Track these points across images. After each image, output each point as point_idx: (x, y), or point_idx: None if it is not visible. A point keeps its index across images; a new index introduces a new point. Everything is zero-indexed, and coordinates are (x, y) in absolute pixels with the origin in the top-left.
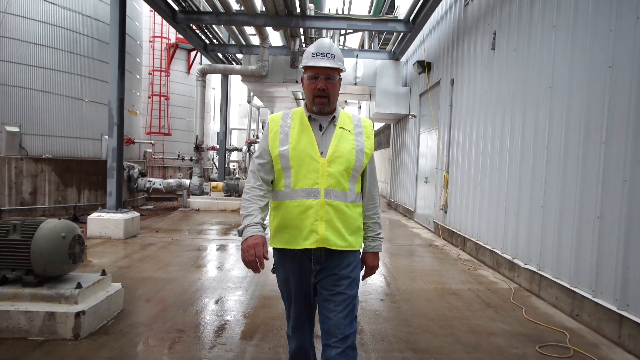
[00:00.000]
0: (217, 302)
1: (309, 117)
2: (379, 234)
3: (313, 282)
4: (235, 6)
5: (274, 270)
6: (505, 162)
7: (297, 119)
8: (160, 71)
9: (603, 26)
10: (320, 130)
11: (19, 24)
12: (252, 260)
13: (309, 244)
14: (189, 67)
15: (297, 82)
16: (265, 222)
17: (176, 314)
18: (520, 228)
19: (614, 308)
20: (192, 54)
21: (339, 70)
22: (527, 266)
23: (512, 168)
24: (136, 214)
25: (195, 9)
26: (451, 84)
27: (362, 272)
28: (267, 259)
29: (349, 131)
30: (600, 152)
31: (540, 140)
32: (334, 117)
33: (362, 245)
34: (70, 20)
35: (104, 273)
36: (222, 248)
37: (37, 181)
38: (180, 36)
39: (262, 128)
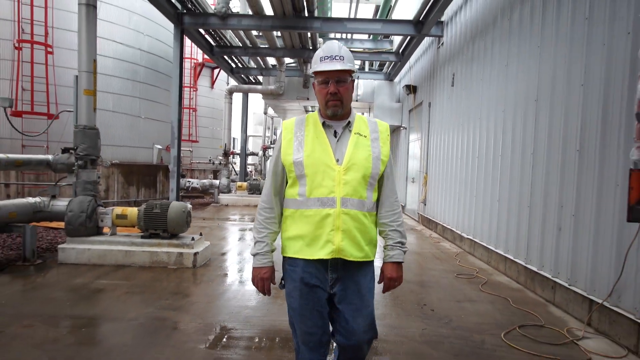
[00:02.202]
0: None
1: (323, 124)
2: (400, 242)
3: (328, 292)
4: (254, 32)
5: (282, 286)
6: (458, 166)
7: (310, 125)
8: (190, 87)
9: (501, 84)
10: (335, 136)
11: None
12: (261, 290)
13: (324, 254)
14: (213, 82)
15: (308, 99)
16: (274, 245)
17: (242, 260)
18: (465, 211)
19: (501, 252)
20: (215, 71)
21: (350, 72)
22: (468, 237)
23: (461, 170)
24: (190, 205)
25: (228, 44)
26: (429, 106)
27: (382, 284)
28: (274, 283)
29: (365, 137)
30: (498, 162)
31: (474, 152)
32: (349, 122)
33: (376, 255)
34: (132, 55)
35: (200, 234)
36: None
37: (109, 181)
38: (206, 57)
39: (275, 134)
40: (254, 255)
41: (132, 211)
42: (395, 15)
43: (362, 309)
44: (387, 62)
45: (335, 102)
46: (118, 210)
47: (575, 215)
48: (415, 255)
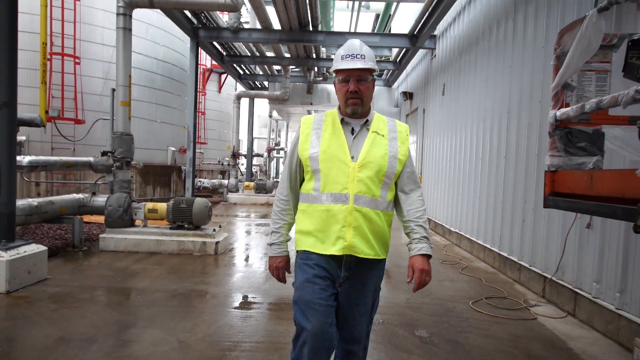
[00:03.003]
0: None
1: (342, 120)
2: (426, 237)
3: (337, 289)
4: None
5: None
6: (447, 168)
7: (329, 121)
8: (199, 92)
9: (482, 96)
10: (352, 133)
11: None
12: (276, 277)
13: (335, 250)
14: (220, 87)
15: (311, 103)
16: (289, 236)
17: (256, 249)
18: (453, 208)
19: (481, 242)
20: (223, 76)
21: (370, 71)
22: (456, 230)
23: (450, 172)
24: None
25: (237, 53)
26: (423, 112)
27: (411, 279)
28: (289, 272)
29: (383, 136)
30: (479, 164)
31: (461, 155)
32: (367, 120)
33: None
34: (149, 64)
35: (220, 227)
36: (261, 224)
37: None
38: (214, 62)
39: (280, 137)
40: (270, 245)
41: (162, 206)
42: (395, 22)
43: (364, 314)
44: (386, 70)
45: (355, 100)
46: (149, 205)
47: (534, 208)
48: (405, 247)
